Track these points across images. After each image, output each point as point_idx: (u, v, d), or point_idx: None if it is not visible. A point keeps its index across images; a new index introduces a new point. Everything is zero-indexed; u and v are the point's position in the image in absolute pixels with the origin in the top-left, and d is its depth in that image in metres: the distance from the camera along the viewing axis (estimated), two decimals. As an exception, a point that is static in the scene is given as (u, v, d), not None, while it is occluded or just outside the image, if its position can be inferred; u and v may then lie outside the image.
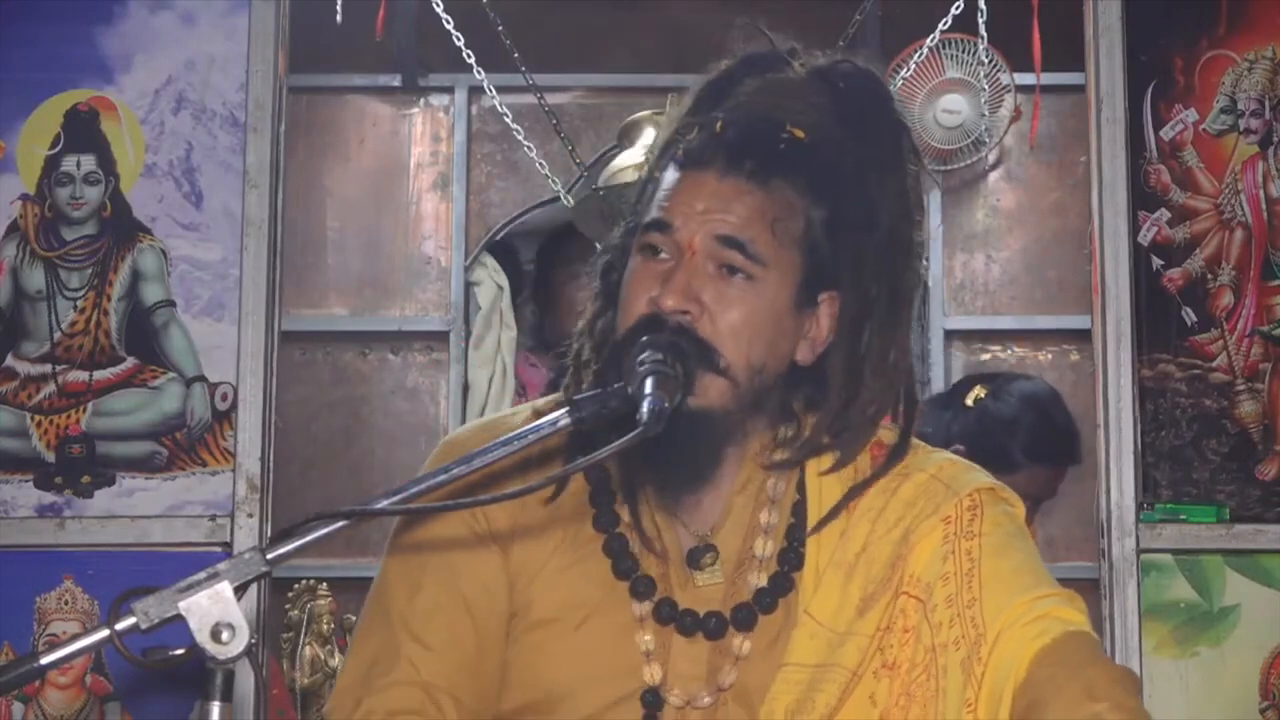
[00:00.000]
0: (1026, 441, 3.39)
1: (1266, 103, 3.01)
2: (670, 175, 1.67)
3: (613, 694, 1.63)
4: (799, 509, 1.69)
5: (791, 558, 1.66)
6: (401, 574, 1.70)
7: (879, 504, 1.67)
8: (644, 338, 1.59)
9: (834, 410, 1.67)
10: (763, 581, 1.66)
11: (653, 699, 1.62)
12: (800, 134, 1.64)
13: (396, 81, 5.07)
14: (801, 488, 1.70)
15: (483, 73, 4.40)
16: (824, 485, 1.69)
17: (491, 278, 5.04)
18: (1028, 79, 4.49)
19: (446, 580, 1.67)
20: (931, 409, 3.74)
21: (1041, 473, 3.40)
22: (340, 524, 1.39)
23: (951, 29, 4.26)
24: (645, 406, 1.49)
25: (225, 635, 1.28)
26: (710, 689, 1.63)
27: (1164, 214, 2.99)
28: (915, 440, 1.74)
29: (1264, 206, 2.99)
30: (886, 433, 1.72)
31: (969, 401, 3.47)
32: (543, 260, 4.93)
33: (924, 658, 1.60)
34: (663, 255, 1.64)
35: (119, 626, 1.29)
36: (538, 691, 1.64)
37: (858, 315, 1.67)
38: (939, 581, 1.61)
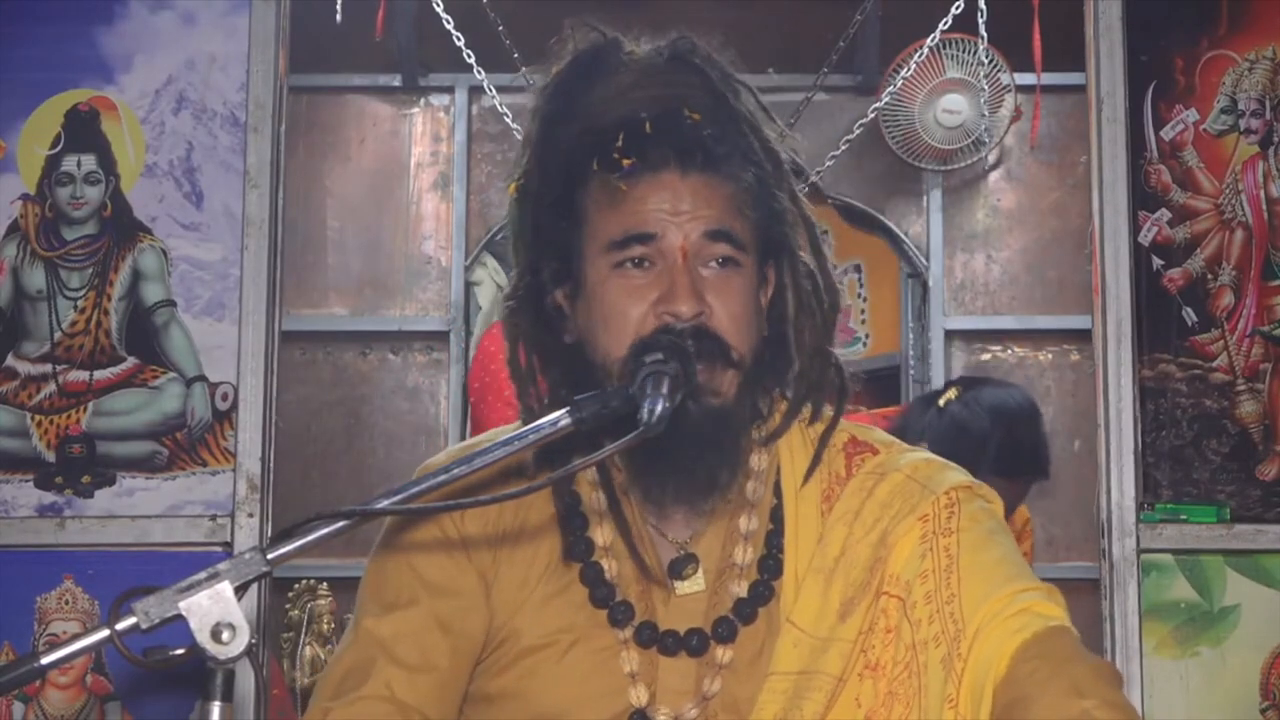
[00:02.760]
0: (990, 454, 3.34)
1: (1267, 103, 3.00)
2: (616, 184, 1.64)
3: (602, 715, 1.64)
4: (776, 513, 1.70)
5: (771, 565, 1.67)
6: (377, 589, 1.71)
7: (854, 505, 1.68)
8: (641, 337, 1.60)
9: (801, 365, 1.70)
10: (743, 591, 1.66)
11: (640, 719, 1.64)
12: (697, 116, 1.66)
13: (396, 81, 5.08)
14: (778, 491, 1.71)
15: (483, 73, 4.40)
16: (800, 490, 1.70)
17: (491, 278, 5.05)
18: (1028, 79, 4.50)
19: (422, 599, 1.67)
20: (917, 404, 3.73)
21: (1001, 484, 3.37)
22: (340, 524, 1.39)
23: (951, 29, 4.27)
24: (646, 406, 1.49)
25: (225, 635, 1.28)
26: (696, 700, 1.64)
27: (1164, 214, 2.98)
28: (890, 439, 1.76)
29: (1264, 206, 2.99)
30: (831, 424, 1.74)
31: (941, 403, 3.45)
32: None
33: (905, 656, 1.60)
34: (648, 264, 1.64)
35: (119, 626, 1.29)
36: (529, 715, 1.65)
37: (786, 271, 1.70)
38: (918, 579, 1.62)
